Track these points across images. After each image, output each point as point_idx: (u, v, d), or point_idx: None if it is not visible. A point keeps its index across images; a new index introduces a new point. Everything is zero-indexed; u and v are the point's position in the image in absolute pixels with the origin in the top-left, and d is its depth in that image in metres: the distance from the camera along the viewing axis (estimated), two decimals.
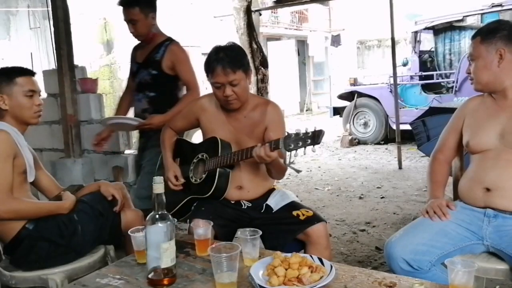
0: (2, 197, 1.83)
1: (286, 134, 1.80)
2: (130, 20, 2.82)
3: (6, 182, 1.86)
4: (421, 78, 7.82)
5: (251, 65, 4.40)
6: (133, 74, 3.03)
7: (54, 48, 3.88)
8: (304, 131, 1.76)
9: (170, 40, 2.94)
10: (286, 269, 1.45)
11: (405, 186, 5.14)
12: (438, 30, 7.71)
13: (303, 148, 1.77)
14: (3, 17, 11.22)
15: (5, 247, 2.00)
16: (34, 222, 1.95)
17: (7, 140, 1.89)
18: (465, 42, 7.41)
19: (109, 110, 10.43)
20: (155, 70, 2.88)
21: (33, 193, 2.13)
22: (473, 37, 1.91)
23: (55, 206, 2.02)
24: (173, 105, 2.85)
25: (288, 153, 1.82)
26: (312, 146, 1.75)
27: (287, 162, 1.85)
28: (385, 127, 8.05)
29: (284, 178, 5.74)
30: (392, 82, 6.81)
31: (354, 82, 8.64)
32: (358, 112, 8.33)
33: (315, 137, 1.74)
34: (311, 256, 1.57)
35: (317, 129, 1.75)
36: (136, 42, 3.01)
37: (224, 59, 2.01)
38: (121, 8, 2.85)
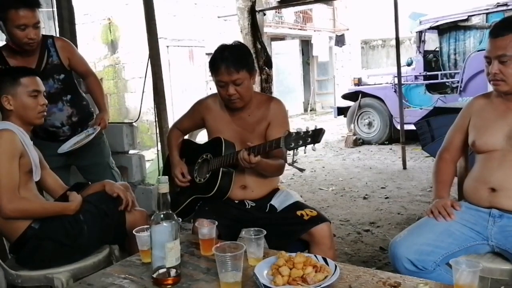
0: (9, 196, 1.85)
1: (287, 133, 1.81)
2: (28, 24, 2.40)
3: (13, 181, 1.87)
4: (426, 78, 7.80)
5: (255, 65, 4.41)
6: None
7: None
8: (305, 130, 1.76)
9: (49, 37, 2.68)
10: (290, 269, 1.46)
11: (410, 187, 5.13)
12: (443, 30, 7.68)
13: (304, 147, 1.78)
14: None
15: (11, 246, 2.01)
16: (40, 221, 1.96)
17: (13, 140, 1.91)
18: (470, 41, 7.38)
19: (113, 110, 10.47)
20: (62, 74, 2.66)
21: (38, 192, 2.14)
22: (500, 34, 1.75)
23: (62, 207, 2.03)
24: (83, 98, 2.81)
25: (290, 153, 1.82)
26: (312, 144, 1.75)
27: (290, 161, 1.85)
28: (389, 127, 8.03)
29: (288, 178, 5.76)
30: (396, 82, 6.79)
31: (358, 82, 8.62)
32: (362, 112, 8.31)
33: (315, 136, 1.74)
34: (315, 256, 1.57)
35: (317, 128, 1.76)
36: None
37: (228, 58, 2.02)
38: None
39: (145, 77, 3.96)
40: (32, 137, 2.68)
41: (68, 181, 2.63)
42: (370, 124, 8.30)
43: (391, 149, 7.74)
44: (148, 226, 1.56)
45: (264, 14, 7.28)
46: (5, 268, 1.97)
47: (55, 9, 3.96)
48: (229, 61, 2.02)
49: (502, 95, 1.88)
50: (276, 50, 14.54)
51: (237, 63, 2.03)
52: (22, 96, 2.01)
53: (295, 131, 1.80)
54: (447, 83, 7.74)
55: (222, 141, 2.14)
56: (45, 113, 2.11)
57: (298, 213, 2.04)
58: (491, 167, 1.83)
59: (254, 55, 5.89)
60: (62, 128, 2.71)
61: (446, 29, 7.63)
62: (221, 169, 2.11)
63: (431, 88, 7.73)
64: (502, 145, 1.82)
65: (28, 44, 2.45)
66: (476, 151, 1.93)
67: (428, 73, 7.77)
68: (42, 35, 2.58)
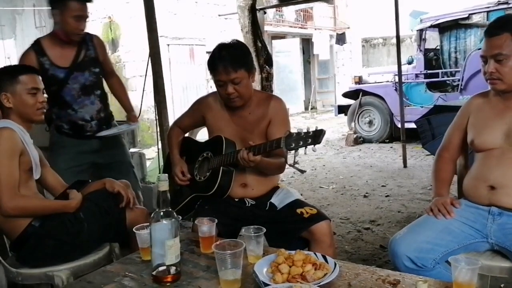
0: (9, 194, 1.85)
1: (288, 133, 1.81)
2: (83, 16, 2.60)
3: (13, 179, 1.88)
4: (426, 76, 7.79)
5: (256, 63, 4.41)
6: (59, 81, 2.64)
7: None
8: (305, 131, 1.77)
9: (86, 32, 2.76)
10: (290, 266, 1.46)
11: (410, 185, 5.13)
12: (444, 28, 7.67)
13: (304, 148, 1.78)
14: (9, 16, 11.28)
15: (12, 244, 2.02)
16: (40, 219, 1.96)
17: (13, 138, 1.91)
18: (470, 40, 7.38)
19: (114, 108, 10.47)
20: (97, 68, 2.76)
21: (38, 190, 2.14)
22: (495, 33, 1.76)
23: (62, 205, 2.04)
24: (106, 95, 2.88)
25: (292, 153, 1.82)
26: (312, 145, 1.76)
27: (291, 162, 1.85)
28: (390, 126, 8.03)
29: (288, 176, 5.75)
30: (397, 80, 6.78)
31: (359, 81, 8.62)
32: (363, 111, 8.32)
33: (316, 137, 1.75)
34: (315, 254, 1.58)
35: (318, 129, 1.76)
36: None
37: (226, 57, 2.03)
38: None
39: (146, 75, 3.96)
40: (55, 133, 2.73)
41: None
42: (370, 123, 8.30)
43: (391, 147, 7.74)
44: (148, 224, 1.56)
45: (265, 13, 7.28)
46: (6, 266, 1.98)
47: None
48: (227, 60, 2.02)
49: (500, 94, 1.88)
50: (277, 49, 14.53)
51: (235, 62, 2.03)
52: (21, 94, 2.01)
53: (296, 131, 1.80)
54: (447, 82, 7.73)
55: (222, 140, 2.14)
56: (45, 110, 2.11)
57: (298, 211, 2.04)
58: (490, 165, 1.83)
59: (254, 54, 5.91)
60: (91, 122, 2.75)
61: (447, 27, 7.62)
62: (221, 167, 2.11)
63: (431, 87, 7.72)
64: (500, 143, 1.82)
65: (78, 35, 2.62)
66: (475, 149, 1.93)
67: (428, 72, 7.77)
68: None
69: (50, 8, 2.58)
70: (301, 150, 1.80)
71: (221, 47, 2.09)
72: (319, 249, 1.86)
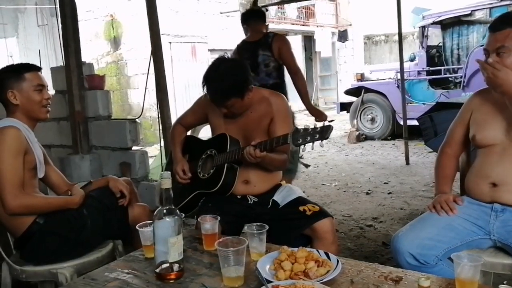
0: (13, 192, 1.86)
1: (295, 129, 1.81)
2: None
3: (17, 178, 1.88)
4: (429, 73, 7.77)
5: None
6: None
7: (62, 45, 3.90)
8: (313, 126, 1.77)
9: None
10: (292, 263, 1.47)
11: (413, 182, 5.13)
12: (446, 25, 7.65)
13: (311, 143, 1.78)
14: (11, 15, 11.28)
15: (16, 241, 2.03)
16: (44, 216, 1.98)
17: (18, 137, 1.92)
18: (473, 36, 7.35)
19: (116, 106, 10.49)
20: None
21: (42, 189, 2.15)
22: (499, 28, 1.76)
23: (65, 201, 2.05)
24: None
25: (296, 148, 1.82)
26: (320, 141, 1.76)
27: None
28: (392, 123, 8.02)
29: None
30: (399, 77, 6.78)
31: (361, 78, 8.60)
32: (365, 108, 8.31)
33: (324, 132, 1.75)
34: (317, 251, 1.58)
35: (325, 124, 1.76)
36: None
37: (214, 90, 2.04)
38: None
39: (148, 73, 3.97)
40: None
41: None
42: (373, 120, 8.29)
43: (394, 144, 7.73)
44: (151, 221, 1.57)
45: (267, 10, 7.28)
46: (10, 264, 1.99)
47: (57, 6, 3.95)
48: (215, 94, 2.04)
49: None
50: None
51: (223, 97, 2.03)
52: (28, 91, 2.02)
53: (303, 127, 1.80)
54: (450, 78, 7.72)
55: (227, 138, 2.14)
56: (49, 108, 2.12)
57: (301, 208, 2.04)
58: (491, 161, 1.83)
59: None
60: None
61: (449, 24, 7.60)
62: (225, 165, 2.11)
63: (434, 84, 7.70)
64: (502, 139, 1.82)
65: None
66: (476, 145, 1.92)
67: (431, 69, 7.75)
68: None
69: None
70: (307, 146, 1.80)
71: (209, 77, 2.06)
72: (321, 246, 1.86)
